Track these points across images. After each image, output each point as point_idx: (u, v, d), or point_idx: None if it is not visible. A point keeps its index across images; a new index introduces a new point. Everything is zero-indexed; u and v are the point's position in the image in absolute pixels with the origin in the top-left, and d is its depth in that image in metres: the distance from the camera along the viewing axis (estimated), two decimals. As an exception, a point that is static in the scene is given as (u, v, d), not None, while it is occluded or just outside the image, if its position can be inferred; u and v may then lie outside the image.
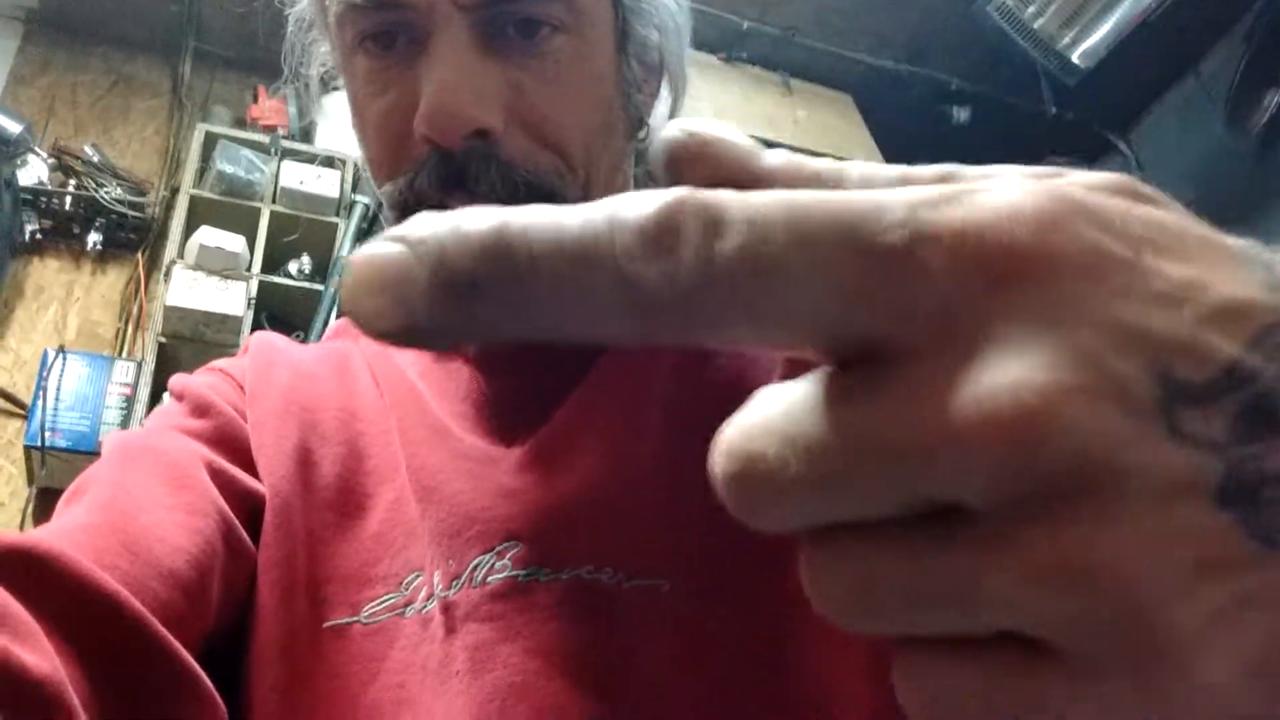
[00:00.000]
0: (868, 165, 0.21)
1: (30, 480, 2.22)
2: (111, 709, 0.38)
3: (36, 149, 2.54)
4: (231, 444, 0.52)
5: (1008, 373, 0.14)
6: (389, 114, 0.49)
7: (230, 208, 2.41)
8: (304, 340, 0.84)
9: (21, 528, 2.20)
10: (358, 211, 1.68)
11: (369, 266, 0.16)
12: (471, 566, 0.46)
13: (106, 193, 2.56)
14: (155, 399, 2.18)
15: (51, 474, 2.14)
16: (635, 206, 0.15)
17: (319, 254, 2.42)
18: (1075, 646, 0.14)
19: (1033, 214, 0.15)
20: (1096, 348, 0.14)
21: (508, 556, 0.46)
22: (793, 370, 0.17)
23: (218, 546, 0.46)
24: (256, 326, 2.28)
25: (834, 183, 0.20)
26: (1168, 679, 0.14)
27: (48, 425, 2.13)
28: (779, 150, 0.21)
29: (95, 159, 2.62)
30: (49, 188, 2.53)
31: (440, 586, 0.46)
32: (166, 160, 2.76)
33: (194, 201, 2.42)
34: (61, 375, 2.19)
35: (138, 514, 0.44)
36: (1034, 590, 0.14)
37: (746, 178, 0.20)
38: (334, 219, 2.45)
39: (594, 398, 0.51)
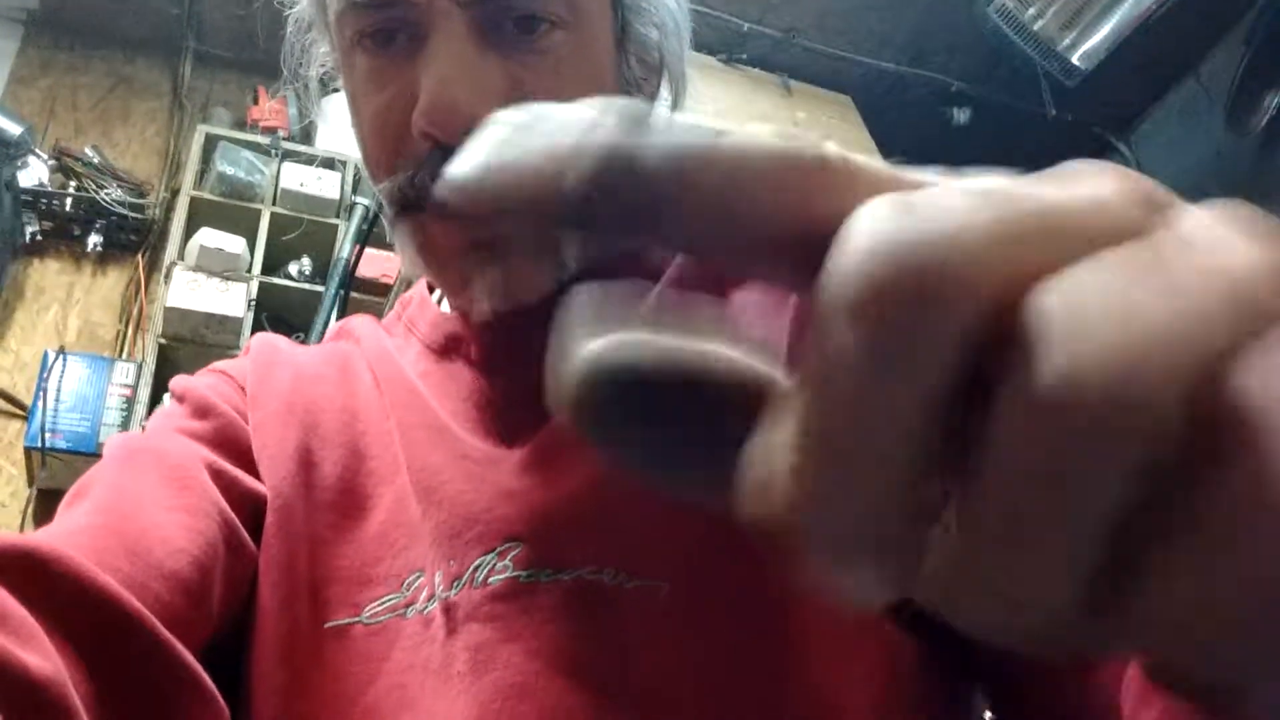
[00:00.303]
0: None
1: (30, 481, 2.22)
2: (113, 710, 0.38)
3: (37, 150, 2.54)
4: (233, 445, 0.52)
5: None
6: (387, 110, 0.49)
7: (230, 209, 2.42)
8: (304, 342, 0.84)
9: (22, 529, 2.20)
10: (358, 213, 1.67)
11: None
12: (473, 567, 0.46)
13: (107, 194, 2.57)
14: (155, 400, 2.18)
15: (52, 475, 2.15)
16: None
17: (319, 255, 2.43)
18: None
19: None
20: None
21: (509, 557, 0.46)
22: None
23: (219, 548, 0.46)
24: (257, 328, 2.28)
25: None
26: None
27: (48, 426, 2.13)
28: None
29: (95, 160, 2.62)
30: (49, 189, 2.53)
31: (441, 587, 0.46)
32: (167, 162, 2.76)
33: (194, 203, 2.42)
34: (62, 376, 2.20)
35: (139, 515, 0.44)
36: None
37: None
38: (334, 220, 2.46)
39: None
